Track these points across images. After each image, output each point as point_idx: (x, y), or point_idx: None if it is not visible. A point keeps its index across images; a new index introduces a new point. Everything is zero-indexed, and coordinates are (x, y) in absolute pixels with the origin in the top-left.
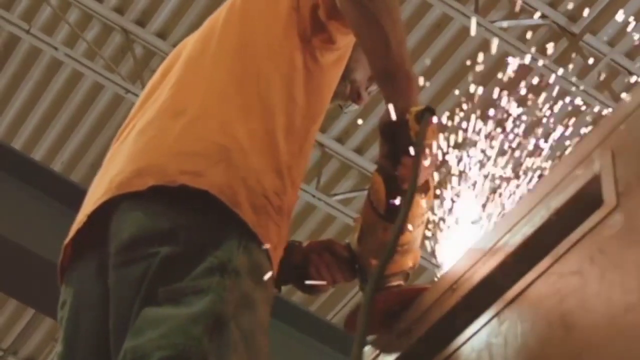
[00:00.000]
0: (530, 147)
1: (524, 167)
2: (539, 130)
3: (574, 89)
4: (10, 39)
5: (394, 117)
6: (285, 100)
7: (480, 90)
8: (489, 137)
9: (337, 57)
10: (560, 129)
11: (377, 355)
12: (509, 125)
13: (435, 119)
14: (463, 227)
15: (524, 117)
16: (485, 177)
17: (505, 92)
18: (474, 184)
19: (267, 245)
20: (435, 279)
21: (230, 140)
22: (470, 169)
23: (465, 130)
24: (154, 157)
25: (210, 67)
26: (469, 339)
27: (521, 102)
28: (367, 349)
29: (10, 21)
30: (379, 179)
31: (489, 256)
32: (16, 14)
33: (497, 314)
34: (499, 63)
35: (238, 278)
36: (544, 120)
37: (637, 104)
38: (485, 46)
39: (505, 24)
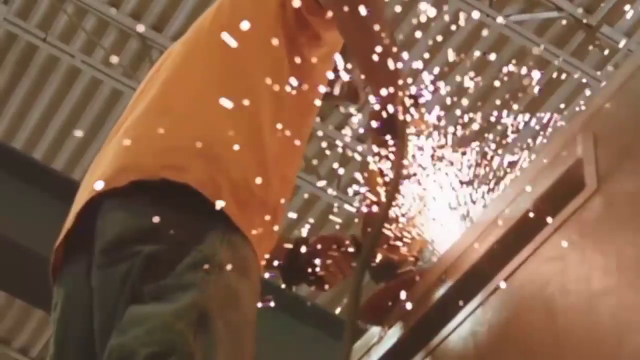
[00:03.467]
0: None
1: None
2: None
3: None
4: (28, 48)
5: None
6: (271, 97)
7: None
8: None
9: (325, 53)
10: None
11: (371, 347)
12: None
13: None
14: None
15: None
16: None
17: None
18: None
19: (251, 239)
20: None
21: (213, 135)
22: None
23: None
24: (138, 154)
25: (197, 66)
26: (455, 328)
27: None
28: (361, 340)
29: (27, 30)
30: (374, 171)
31: (477, 245)
32: (33, 23)
33: (482, 303)
34: (517, 57)
35: (222, 272)
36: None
37: (618, 87)
38: (502, 41)
39: (521, 17)
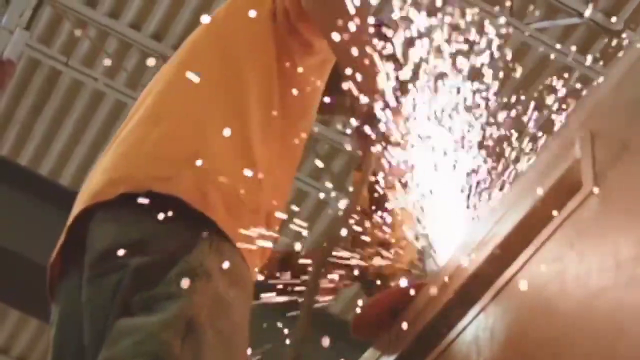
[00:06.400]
0: None
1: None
2: None
3: None
4: (51, 74)
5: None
6: (261, 105)
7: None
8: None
9: (319, 60)
10: None
11: (379, 357)
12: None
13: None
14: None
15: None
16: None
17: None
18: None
19: (240, 246)
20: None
21: (202, 144)
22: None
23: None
24: (128, 165)
25: (189, 76)
26: (458, 334)
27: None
28: (368, 352)
29: (49, 55)
30: (360, 177)
31: (479, 250)
32: (55, 48)
33: (484, 308)
34: (540, 65)
35: (210, 280)
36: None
37: (615, 84)
38: (524, 50)
39: (542, 25)
